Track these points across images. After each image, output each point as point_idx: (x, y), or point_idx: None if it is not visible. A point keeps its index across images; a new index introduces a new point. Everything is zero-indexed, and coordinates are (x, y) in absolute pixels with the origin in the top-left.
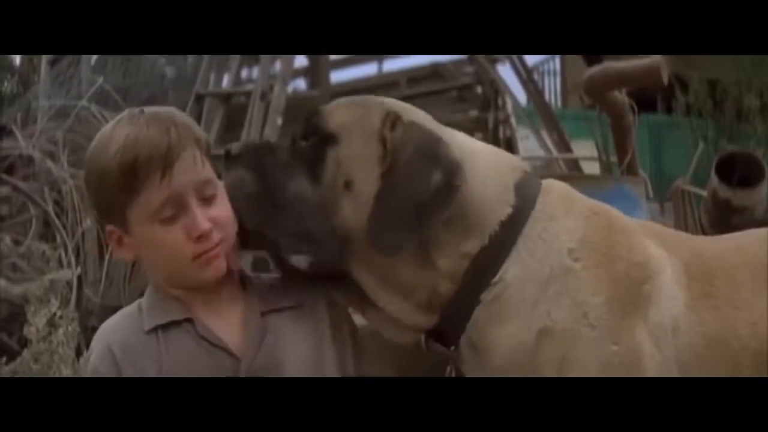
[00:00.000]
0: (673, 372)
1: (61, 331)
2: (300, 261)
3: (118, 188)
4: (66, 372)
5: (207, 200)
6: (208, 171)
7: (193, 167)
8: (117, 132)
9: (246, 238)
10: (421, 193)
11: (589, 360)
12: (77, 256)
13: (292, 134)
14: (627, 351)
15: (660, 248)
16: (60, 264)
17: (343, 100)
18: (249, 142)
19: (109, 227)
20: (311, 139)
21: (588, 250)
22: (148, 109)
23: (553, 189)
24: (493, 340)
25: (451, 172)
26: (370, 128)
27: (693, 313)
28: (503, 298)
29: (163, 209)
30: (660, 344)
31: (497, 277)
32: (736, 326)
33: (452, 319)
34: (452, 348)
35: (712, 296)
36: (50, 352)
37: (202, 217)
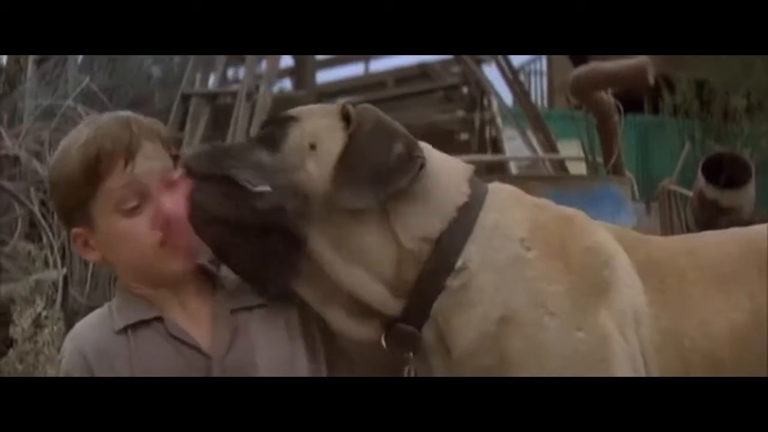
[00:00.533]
0: (640, 363)
1: (46, 331)
2: (265, 192)
3: (81, 183)
4: (51, 372)
5: (173, 185)
6: (170, 161)
7: (156, 156)
8: (77, 134)
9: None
10: (384, 157)
11: (554, 348)
12: (63, 256)
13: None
14: (592, 337)
15: (611, 237)
16: (46, 264)
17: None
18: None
19: (74, 230)
20: (269, 126)
21: (539, 241)
22: (107, 113)
23: (502, 187)
24: (457, 327)
25: (412, 144)
26: (330, 109)
27: (650, 307)
28: (469, 286)
29: (126, 199)
30: (624, 332)
31: (460, 262)
32: (688, 325)
33: (418, 302)
34: (410, 354)
35: (663, 292)
36: (35, 353)
37: (167, 201)
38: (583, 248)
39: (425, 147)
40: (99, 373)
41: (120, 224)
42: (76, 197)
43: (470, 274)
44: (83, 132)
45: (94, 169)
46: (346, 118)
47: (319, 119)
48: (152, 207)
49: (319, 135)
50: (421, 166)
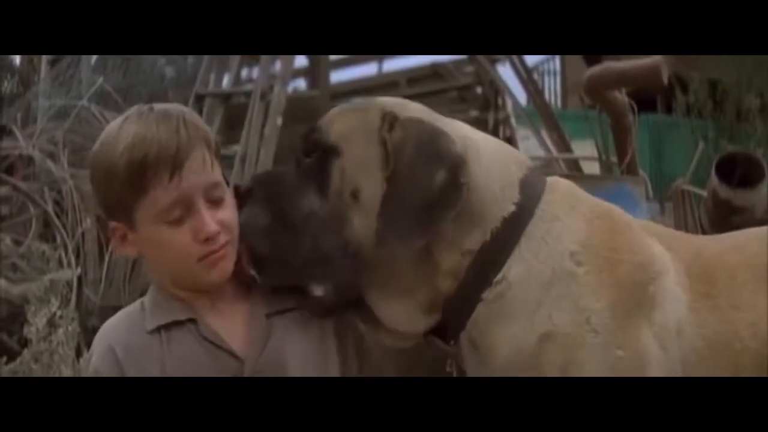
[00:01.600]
0: (677, 374)
1: (61, 331)
2: (315, 289)
3: (125, 187)
4: (66, 372)
5: (215, 203)
6: (216, 173)
7: (202, 168)
8: (125, 129)
9: (264, 270)
10: (426, 192)
11: (593, 366)
12: (77, 256)
13: (296, 154)
14: (632, 356)
15: (662, 248)
16: (60, 264)
17: (339, 108)
18: (256, 175)
19: (113, 224)
20: (314, 155)
21: (590, 254)
22: (158, 106)
23: (558, 188)
24: (494, 340)
25: (456, 168)
26: (369, 133)
27: (695, 315)
28: (506, 297)
29: (171, 211)
30: (665, 345)
31: (500, 275)
32: (738, 327)
33: (453, 316)
34: (452, 343)
35: (713, 297)
36: (50, 352)
37: (209, 219)
38: (635, 264)
39: (473, 150)
40: (129, 371)
41: (163, 233)
42: (118, 197)
43: (507, 286)
44: (130, 130)
45: (138, 177)
46: (383, 143)
47: (357, 150)
48: (196, 220)
49: (358, 179)
50: (467, 189)
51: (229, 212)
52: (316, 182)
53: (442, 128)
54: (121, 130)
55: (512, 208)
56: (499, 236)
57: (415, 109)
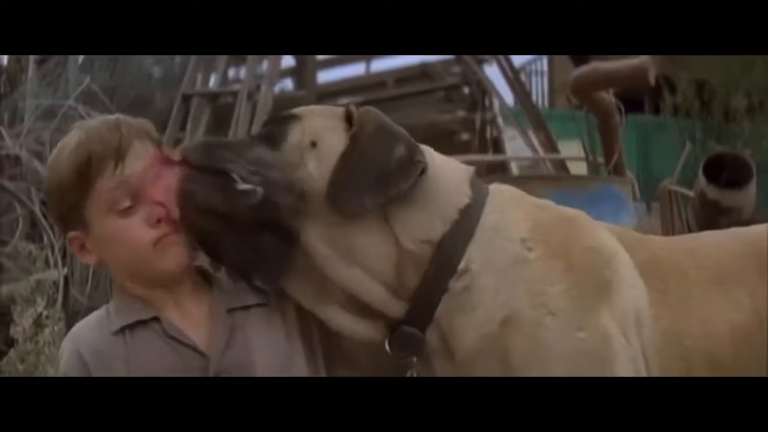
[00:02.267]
0: (641, 363)
1: (47, 331)
2: (246, 188)
3: (74, 187)
4: (52, 372)
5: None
6: None
7: (145, 156)
8: (68, 140)
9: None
10: (385, 160)
11: (556, 348)
12: (64, 256)
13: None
14: (594, 336)
15: (613, 237)
16: (47, 264)
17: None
18: (201, 140)
19: (71, 234)
20: (272, 123)
21: (540, 240)
22: (97, 117)
23: (502, 188)
24: (459, 329)
25: (413, 148)
26: (333, 110)
27: (652, 308)
28: (471, 288)
29: (119, 200)
30: (626, 332)
31: (463, 265)
32: (688, 326)
33: (421, 306)
34: (414, 358)
35: (666, 293)
36: (36, 352)
37: (159, 193)
38: (585, 248)
39: (427, 150)
40: (96, 373)
41: (114, 225)
42: (69, 200)
43: (472, 276)
44: (74, 137)
45: (85, 172)
46: (348, 119)
47: (321, 119)
48: (145, 206)
49: (320, 134)
50: (423, 171)
51: None
52: (269, 139)
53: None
54: (65, 142)
55: (466, 200)
56: (457, 226)
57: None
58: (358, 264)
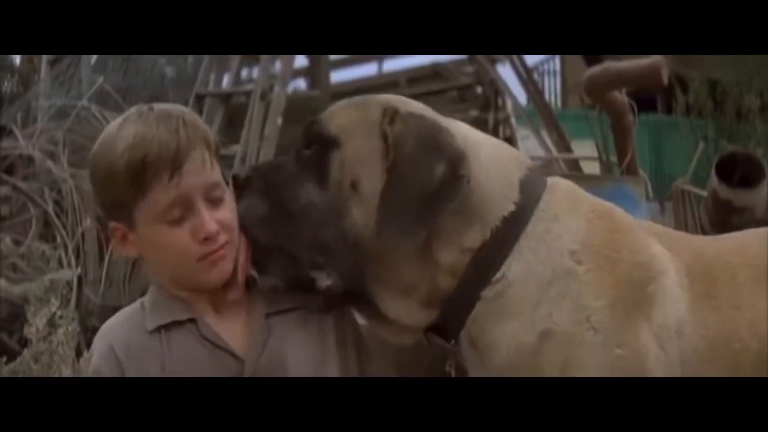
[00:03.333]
0: (677, 373)
1: (61, 331)
2: (320, 278)
3: (125, 187)
4: (66, 372)
5: (214, 202)
6: (216, 173)
7: (202, 169)
8: (125, 129)
9: (265, 265)
10: (426, 185)
11: (592, 364)
12: (77, 256)
13: (296, 147)
14: (631, 354)
15: (663, 248)
16: (60, 264)
17: (340, 102)
18: (255, 166)
19: (113, 224)
20: (314, 147)
21: (590, 253)
22: (158, 106)
23: (559, 188)
24: (493, 338)
25: (455, 161)
26: (369, 126)
27: (695, 315)
28: (505, 296)
29: (170, 210)
30: (664, 345)
31: (499, 273)
32: (738, 327)
33: (452, 314)
34: (452, 342)
35: (714, 297)
36: (50, 352)
37: (209, 218)
38: (634, 263)
39: (474, 148)
40: (129, 371)
41: (163, 233)
42: (118, 198)
43: (507, 284)
44: (130, 130)
45: (138, 177)
46: (384, 136)
47: (357, 142)
48: (195, 219)
49: (358, 172)
50: (467, 182)
51: (228, 212)
52: (316, 173)
53: (442, 124)
54: (121, 130)
55: (512, 207)
56: (498, 235)
57: (416, 106)
58: (395, 289)
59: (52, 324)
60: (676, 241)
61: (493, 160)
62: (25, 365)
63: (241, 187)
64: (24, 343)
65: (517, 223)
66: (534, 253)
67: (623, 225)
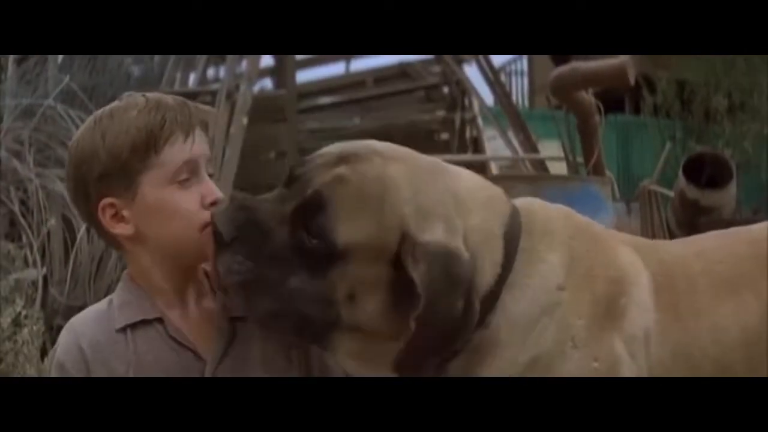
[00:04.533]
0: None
1: (26, 330)
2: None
3: (137, 149)
4: (31, 372)
5: (210, 177)
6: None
7: (203, 141)
8: (132, 100)
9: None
10: (450, 322)
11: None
12: (43, 255)
13: (293, 227)
14: (606, 366)
15: (635, 257)
16: (25, 263)
17: (347, 173)
18: (241, 224)
19: (106, 201)
20: (316, 242)
21: (571, 276)
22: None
23: (534, 221)
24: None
25: (470, 293)
26: (382, 251)
27: (659, 325)
28: (490, 340)
29: (181, 171)
30: (633, 353)
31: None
32: (698, 334)
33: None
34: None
35: (675, 306)
36: (15, 352)
37: (214, 185)
38: (608, 279)
39: (465, 205)
40: (95, 368)
41: (172, 196)
42: (122, 164)
43: (491, 332)
44: (138, 99)
45: (156, 137)
46: (394, 263)
47: (365, 264)
48: (202, 185)
49: (358, 289)
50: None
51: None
52: (312, 269)
53: (456, 250)
54: (127, 103)
55: (498, 270)
56: (484, 301)
57: (433, 224)
58: (371, 362)
59: (17, 323)
60: (642, 249)
61: (482, 224)
62: None
63: (223, 243)
64: None
65: (500, 282)
66: (516, 301)
67: (596, 240)
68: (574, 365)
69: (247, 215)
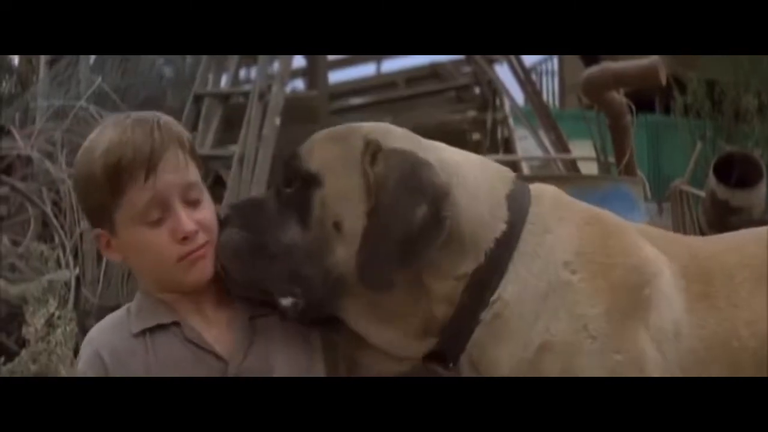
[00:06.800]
0: (675, 375)
1: (59, 331)
2: (288, 304)
3: (103, 191)
4: (64, 372)
5: (192, 204)
6: (193, 173)
7: (177, 168)
8: (102, 136)
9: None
10: (408, 227)
11: (591, 371)
12: (75, 256)
13: (276, 184)
14: (630, 359)
15: (656, 250)
16: (58, 264)
17: (321, 133)
18: (235, 203)
19: (96, 230)
20: (295, 184)
21: (584, 261)
22: (134, 114)
23: (545, 197)
24: (493, 358)
25: (437, 201)
26: (351, 162)
27: (692, 315)
28: (503, 316)
29: (148, 211)
30: (662, 348)
31: (496, 295)
32: (736, 326)
33: (452, 340)
34: (451, 366)
35: (711, 297)
36: (48, 353)
37: (186, 218)
38: (628, 267)
39: (457, 170)
40: (114, 375)
41: (142, 235)
42: (98, 200)
43: (504, 304)
44: (107, 135)
45: (114, 177)
46: (365, 175)
47: (339, 180)
48: (172, 220)
49: (341, 212)
50: (449, 221)
51: (207, 213)
52: (297, 213)
53: (425, 159)
54: (99, 137)
55: (503, 227)
56: (492, 257)
57: (398, 137)
58: (389, 324)
59: (50, 324)
60: (672, 243)
61: (478, 183)
62: (23, 365)
63: (220, 224)
64: (22, 343)
65: (509, 242)
66: (528, 269)
67: (615, 229)
68: (593, 358)
69: (245, 197)
